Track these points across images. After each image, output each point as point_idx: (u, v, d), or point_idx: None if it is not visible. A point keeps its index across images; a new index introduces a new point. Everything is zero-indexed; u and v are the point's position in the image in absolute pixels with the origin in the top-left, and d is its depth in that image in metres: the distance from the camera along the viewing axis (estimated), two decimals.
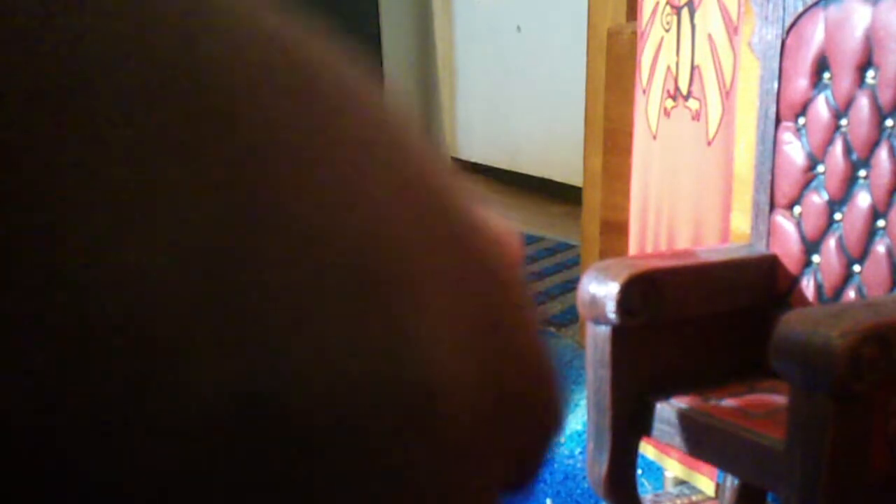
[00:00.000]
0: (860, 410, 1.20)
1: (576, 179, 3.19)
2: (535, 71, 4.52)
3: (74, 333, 0.14)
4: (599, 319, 1.50)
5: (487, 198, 0.21)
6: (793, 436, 1.23)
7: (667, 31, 2.05)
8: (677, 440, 1.53)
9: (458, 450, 0.17)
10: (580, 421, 2.36)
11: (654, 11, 2.09)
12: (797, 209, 1.63)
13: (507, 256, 0.20)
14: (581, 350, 2.28)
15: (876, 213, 1.53)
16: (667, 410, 1.51)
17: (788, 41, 1.62)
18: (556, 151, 4.34)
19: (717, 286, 1.61)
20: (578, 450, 2.28)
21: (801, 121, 1.61)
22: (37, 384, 0.14)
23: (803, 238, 1.62)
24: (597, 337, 1.53)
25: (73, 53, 0.14)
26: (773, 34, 1.64)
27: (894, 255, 1.51)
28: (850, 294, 1.56)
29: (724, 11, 1.91)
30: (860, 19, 1.53)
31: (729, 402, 1.50)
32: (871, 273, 1.53)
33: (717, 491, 1.94)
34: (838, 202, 1.57)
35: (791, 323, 1.21)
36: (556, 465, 2.24)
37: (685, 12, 2.01)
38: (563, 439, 2.38)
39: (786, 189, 1.63)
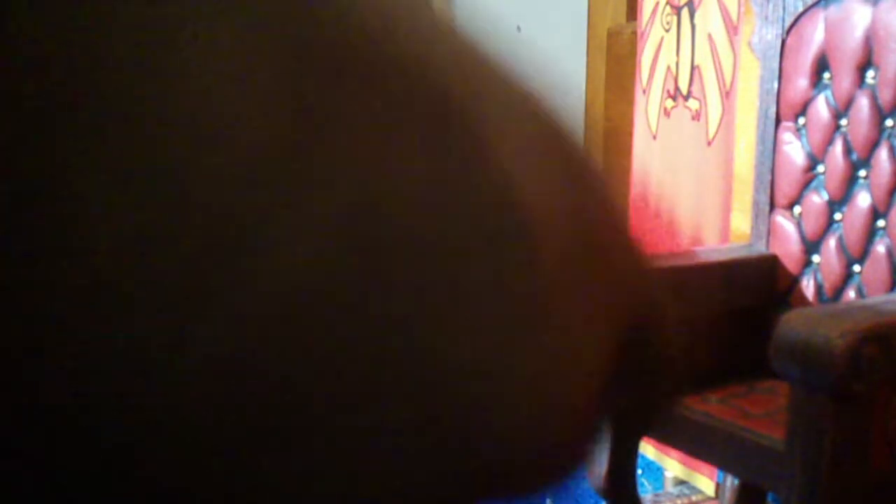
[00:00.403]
0: (860, 410, 1.20)
1: None
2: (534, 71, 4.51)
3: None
4: None
5: None
6: (793, 436, 1.23)
7: (667, 31, 2.05)
8: (677, 440, 1.53)
9: (551, 272, 0.18)
10: None
11: (654, 11, 2.09)
12: (797, 209, 1.63)
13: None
14: None
15: (876, 212, 1.53)
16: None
17: (788, 41, 1.62)
18: None
19: (717, 286, 1.61)
20: None
21: (801, 121, 1.62)
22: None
23: (803, 238, 1.62)
24: None
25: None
26: (773, 34, 1.64)
27: (894, 255, 1.51)
28: (850, 294, 1.56)
29: (724, 11, 1.91)
30: (860, 19, 1.53)
31: (729, 402, 1.50)
32: (871, 273, 1.53)
33: (717, 491, 1.95)
34: (838, 202, 1.57)
35: (791, 323, 1.21)
36: None
37: (685, 12, 2.01)
38: None
39: (786, 189, 1.63)
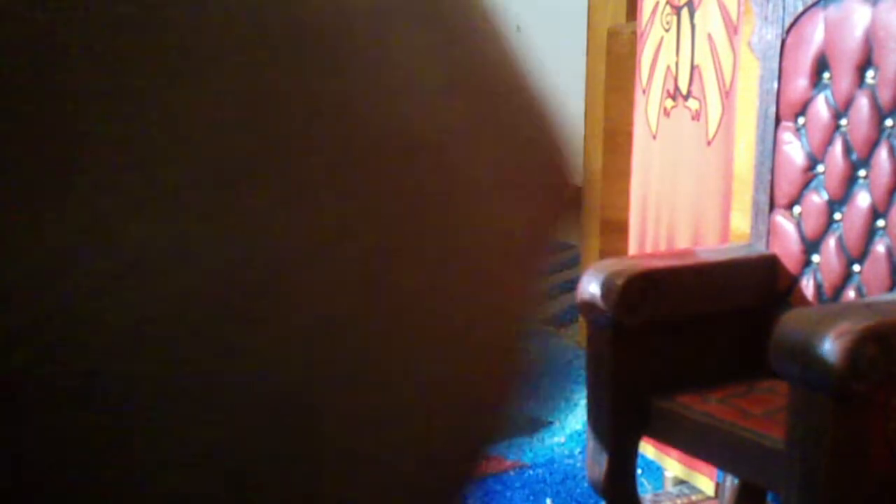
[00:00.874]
0: (860, 410, 1.20)
1: (575, 179, 3.19)
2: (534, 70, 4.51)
3: None
4: (599, 319, 1.50)
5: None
6: (793, 436, 1.23)
7: (666, 30, 2.05)
8: (677, 440, 1.53)
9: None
10: (580, 421, 2.36)
11: (653, 11, 2.09)
12: (797, 209, 1.63)
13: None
14: (581, 350, 2.28)
15: (876, 212, 1.53)
16: (667, 410, 1.51)
17: (788, 41, 1.62)
18: None
19: (717, 286, 1.61)
20: (578, 450, 2.28)
21: (801, 120, 1.61)
22: None
23: (803, 238, 1.62)
24: (597, 337, 1.52)
25: None
26: (772, 34, 1.64)
27: (894, 254, 1.51)
28: (850, 294, 1.56)
29: (723, 11, 1.91)
30: (860, 19, 1.53)
31: (729, 402, 1.50)
32: (871, 273, 1.53)
33: (717, 491, 1.94)
34: (838, 202, 1.57)
35: (791, 323, 1.21)
36: (556, 465, 2.24)
37: (685, 12, 2.01)
38: (563, 439, 2.38)
39: (785, 189, 1.63)
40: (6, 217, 0.17)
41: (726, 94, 1.91)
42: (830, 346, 1.16)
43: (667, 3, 2.05)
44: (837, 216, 1.57)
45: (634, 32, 2.21)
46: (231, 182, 0.18)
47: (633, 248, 2.17)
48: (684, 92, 2.01)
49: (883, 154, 1.51)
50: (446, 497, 0.23)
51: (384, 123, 0.20)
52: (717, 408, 1.48)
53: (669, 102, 2.05)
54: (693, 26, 1.98)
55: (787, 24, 1.62)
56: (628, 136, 2.22)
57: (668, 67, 2.05)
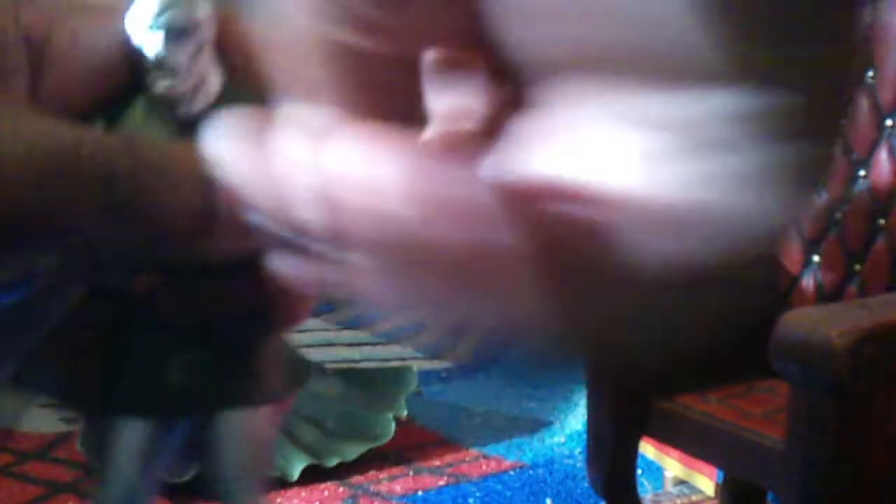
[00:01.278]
0: (860, 410, 1.20)
1: None
2: None
3: None
4: None
5: None
6: (793, 436, 1.23)
7: None
8: (677, 440, 1.53)
9: None
10: (580, 421, 2.36)
11: None
12: None
13: None
14: None
15: (876, 212, 1.53)
16: (667, 410, 1.51)
17: None
18: None
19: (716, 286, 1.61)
20: (578, 450, 2.28)
21: None
22: None
23: (803, 238, 1.62)
24: None
25: None
26: None
27: (894, 254, 1.51)
28: (851, 294, 1.56)
29: None
30: None
31: (729, 402, 1.50)
32: (871, 273, 1.53)
33: (716, 491, 1.95)
34: (838, 201, 1.57)
35: (791, 323, 1.21)
36: (556, 465, 2.25)
37: None
38: (563, 439, 2.38)
39: None
40: None
41: None
42: (830, 347, 1.16)
43: None
44: (838, 215, 1.57)
45: None
46: None
47: None
48: None
49: (883, 154, 1.51)
50: None
51: None
52: (717, 408, 1.48)
53: None
54: None
55: None
56: None
57: None
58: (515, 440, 2.38)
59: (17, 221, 0.26)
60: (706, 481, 2.00)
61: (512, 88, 0.20)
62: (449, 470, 2.23)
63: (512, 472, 2.21)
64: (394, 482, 2.16)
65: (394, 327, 3.08)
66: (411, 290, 0.20)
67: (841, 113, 0.19)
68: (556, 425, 2.44)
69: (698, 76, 0.17)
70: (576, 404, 2.46)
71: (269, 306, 0.31)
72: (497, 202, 0.19)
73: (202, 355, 0.25)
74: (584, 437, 2.16)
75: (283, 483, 2.06)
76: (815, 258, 1.61)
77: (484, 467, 2.24)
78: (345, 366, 2.60)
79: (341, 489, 2.12)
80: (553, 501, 2.10)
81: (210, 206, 0.27)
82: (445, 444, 2.36)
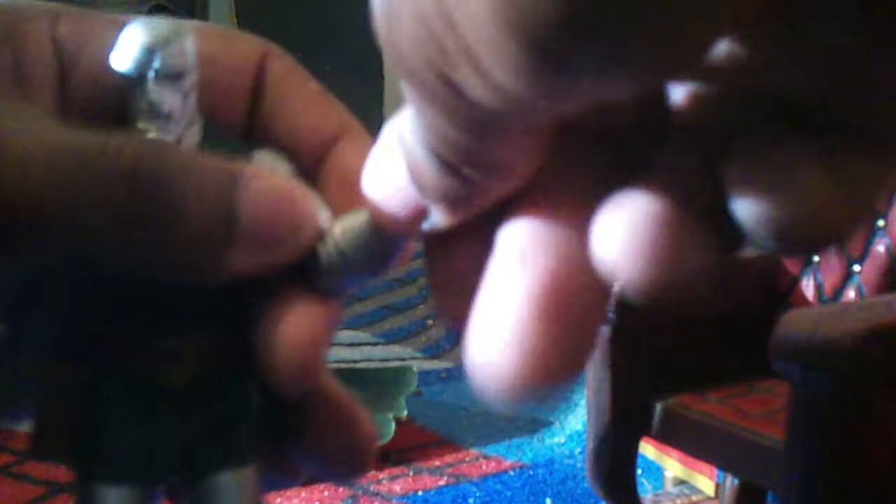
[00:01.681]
0: (860, 410, 1.20)
1: None
2: None
3: None
4: None
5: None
6: (793, 436, 1.23)
7: None
8: (677, 440, 1.53)
9: None
10: (580, 421, 2.36)
11: None
12: None
13: None
14: None
15: (876, 212, 1.53)
16: (667, 410, 1.51)
17: None
18: None
19: (716, 286, 1.60)
20: (578, 450, 2.28)
21: None
22: None
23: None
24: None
25: None
26: None
27: (894, 254, 1.51)
28: (850, 294, 1.56)
29: None
30: None
31: (729, 402, 1.50)
32: (871, 273, 1.53)
33: (717, 491, 1.95)
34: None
35: (791, 323, 1.21)
36: (556, 465, 2.25)
37: None
38: (563, 439, 2.38)
39: None
40: None
41: None
42: (830, 346, 1.16)
43: None
44: None
45: None
46: None
47: None
48: None
49: None
50: None
51: None
52: (717, 408, 1.48)
53: None
54: None
55: None
56: None
57: None
58: (515, 440, 2.38)
59: (40, 221, 0.25)
60: (706, 481, 2.00)
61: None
62: (449, 470, 2.23)
63: (512, 472, 2.21)
64: (394, 482, 2.16)
65: (394, 327, 3.08)
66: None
67: None
68: (556, 425, 2.44)
69: None
70: (576, 404, 2.46)
71: (264, 363, 0.30)
72: None
73: (193, 414, 0.24)
74: (584, 437, 2.16)
75: None
76: (815, 258, 1.61)
77: (484, 467, 2.24)
78: (345, 366, 2.61)
79: (341, 489, 2.12)
80: (553, 501, 2.10)
81: (233, 216, 0.27)
82: (445, 444, 2.36)
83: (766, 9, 0.17)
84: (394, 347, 2.98)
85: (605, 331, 1.50)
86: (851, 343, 1.16)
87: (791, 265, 1.64)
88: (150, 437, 0.30)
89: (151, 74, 0.28)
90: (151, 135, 0.28)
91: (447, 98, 0.18)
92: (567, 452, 2.30)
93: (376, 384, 2.36)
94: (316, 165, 0.30)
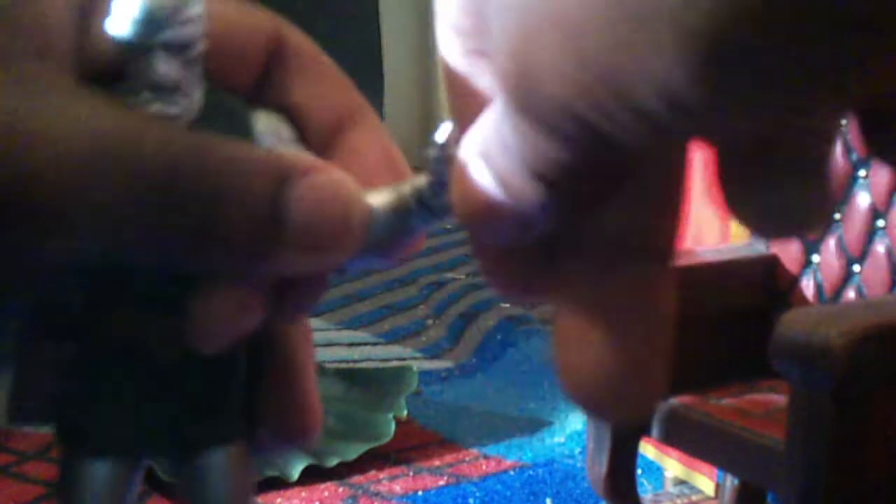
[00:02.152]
0: (860, 410, 1.20)
1: None
2: None
3: None
4: None
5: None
6: (793, 436, 1.23)
7: None
8: (677, 440, 1.53)
9: None
10: (580, 421, 2.36)
11: None
12: None
13: None
14: None
15: (876, 212, 1.53)
16: (667, 410, 1.51)
17: None
18: None
19: (716, 286, 1.61)
20: (578, 450, 2.28)
21: None
22: None
23: (803, 238, 1.62)
24: None
25: None
26: None
27: (894, 255, 1.51)
28: (850, 294, 1.56)
29: None
30: None
31: (729, 402, 1.50)
32: (871, 273, 1.53)
33: (717, 491, 1.94)
34: (838, 202, 1.57)
35: (791, 323, 1.21)
36: (556, 465, 2.25)
37: None
38: (563, 439, 2.38)
39: None
40: None
41: None
42: (830, 347, 1.16)
43: None
44: (837, 216, 1.57)
45: None
46: None
47: None
48: None
49: None
50: None
51: None
52: (717, 408, 1.48)
53: None
54: None
55: None
56: None
57: None
58: (515, 440, 2.38)
59: (61, 212, 0.24)
60: (706, 481, 1.99)
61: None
62: (449, 470, 2.23)
63: (512, 472, 2.21)
64: (394, 482, 2.16)
65: (393, 327, 3.08)
66: None
67: None
68: (556, 425, 2.43)
69: None
70: None
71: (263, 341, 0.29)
72: None
73: (182, 390, 0.24)
74: (584, 437, 2.16)
75: (282, 483, 2.05)
76: (815, 258, 1.61)
77: (484, 467, 2.24)
78: (345, 366, 2.60)
79: (341, 489, 2.12)
80: (553, 501, 2.10)
81: (281, 218, 0.25)
82: (445, 444, 2.36)
83: None
84: (394, 347, 2.97)
85: None
86: (851, 343, 1.16)
87: (791, 265, 1.64)
88: (136, 413, 0.30)
89: (157, 44, 0.26)
90: (156, 107, 0.26)
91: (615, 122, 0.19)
92: (567, 452, 2.30)
93: (376, 384, 2.36)
94: (326, 141, 0.29)
